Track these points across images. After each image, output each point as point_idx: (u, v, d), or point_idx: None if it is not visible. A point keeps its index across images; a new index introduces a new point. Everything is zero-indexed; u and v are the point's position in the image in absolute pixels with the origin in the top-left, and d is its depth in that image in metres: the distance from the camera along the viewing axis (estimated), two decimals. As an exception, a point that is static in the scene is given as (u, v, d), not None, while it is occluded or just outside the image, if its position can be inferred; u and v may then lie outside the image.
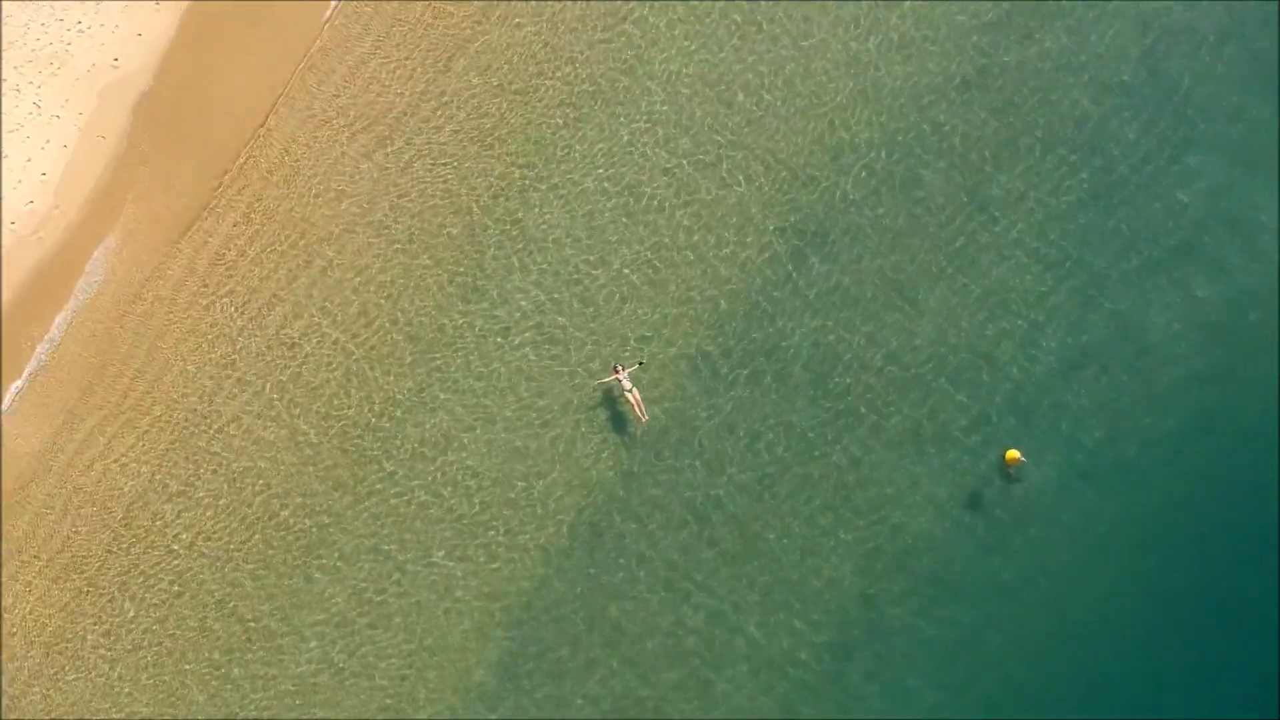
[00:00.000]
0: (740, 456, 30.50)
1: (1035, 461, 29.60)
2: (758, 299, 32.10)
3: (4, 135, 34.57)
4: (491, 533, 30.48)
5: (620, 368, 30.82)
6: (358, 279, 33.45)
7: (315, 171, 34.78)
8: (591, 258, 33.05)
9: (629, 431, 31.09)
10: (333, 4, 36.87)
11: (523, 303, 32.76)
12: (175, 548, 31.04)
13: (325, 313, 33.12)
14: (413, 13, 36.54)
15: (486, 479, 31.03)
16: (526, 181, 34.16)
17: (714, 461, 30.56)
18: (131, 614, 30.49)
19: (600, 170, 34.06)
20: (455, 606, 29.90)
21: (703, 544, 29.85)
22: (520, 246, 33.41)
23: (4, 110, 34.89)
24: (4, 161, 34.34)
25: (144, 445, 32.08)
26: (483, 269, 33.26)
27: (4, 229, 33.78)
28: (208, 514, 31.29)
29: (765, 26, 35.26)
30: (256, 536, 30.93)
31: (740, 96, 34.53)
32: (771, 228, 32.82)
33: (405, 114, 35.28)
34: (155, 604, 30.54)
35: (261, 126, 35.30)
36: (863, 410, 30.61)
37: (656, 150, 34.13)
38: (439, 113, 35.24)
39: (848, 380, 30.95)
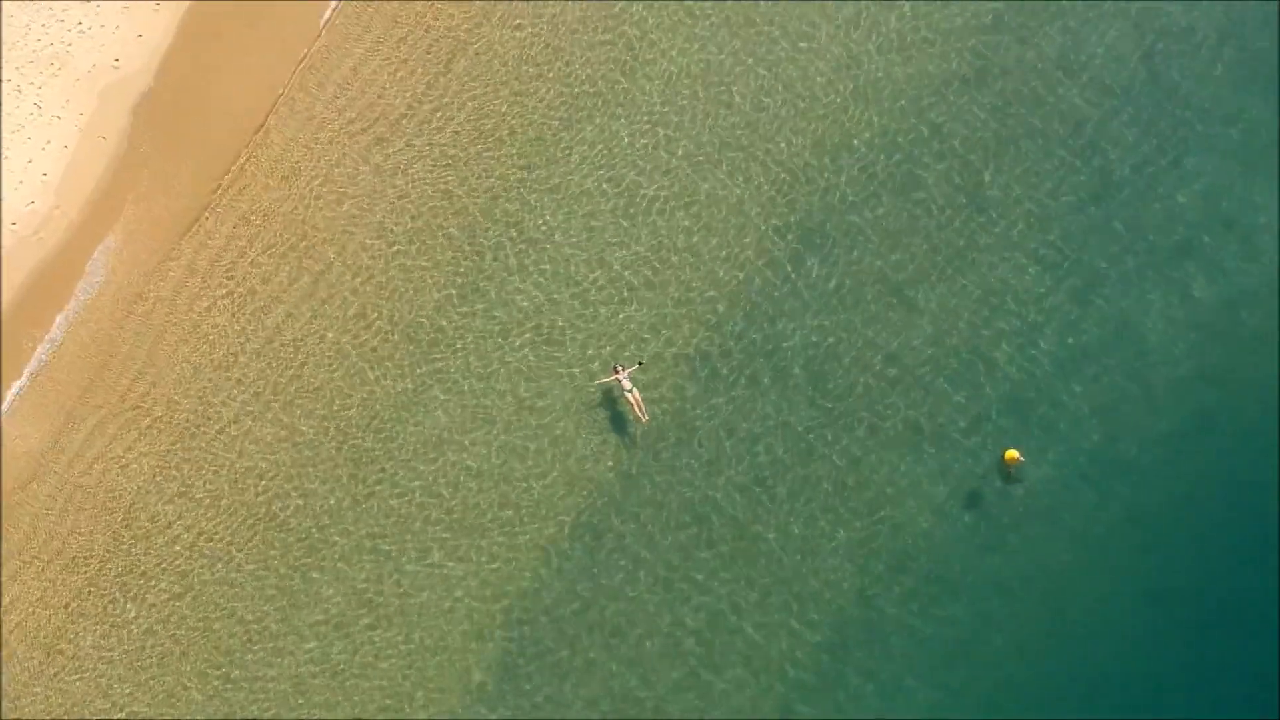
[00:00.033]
0: (739, 457, 30.53)
1: (1034, 461, 29.63)
2: (757, 300, 32.13)
3: (5, 136, 34.62)
4: (491, 533, 30.50)
5: (620, 368, 30.85)
6: (357, 280, 33.49)
7: (315, 173, 34.82)
8: (591, 258, 33.08)
9: (628, 432, 31.12)
10: (332, 4, 36.89)
11: (522, 303, 32.79)
12: (176, 548, 31.07)
13: (325, 313, 33.16)
14: (412, 14, 36.58)
15: (486, 480, 31.06)
16: (526, 183, 34.19)
17: (713, 462, 30.58)
18: (132, 614, 30.53)
19: (600, 171, 34.10)
20: (455, 607, 29.93)
21: (702, 545, 29.88)
22: (520, 247, 33.45)
23: (5, 111, 34.94)
24: (5, 162, 34.38)
25: (144, 445, 32.13)
26: (482, 270, 33.30)
27: (5, 229, 33.83)
28: (208, 514, 31.33)
29: (764, 28, 35.28)
30: (256, 537, 30.97)
31: (739, 98, 34.56)
32: (770, 229, 32.85)
33: (405, 115, 35.32)
34: (155, 604, 30.58)
35: (261, 127, 35.36)
36: (862, 411, 30.63)
37: (656, 151, 34.17)
38: (439, 114, 35.28)
39: (847, 381, 30.98)
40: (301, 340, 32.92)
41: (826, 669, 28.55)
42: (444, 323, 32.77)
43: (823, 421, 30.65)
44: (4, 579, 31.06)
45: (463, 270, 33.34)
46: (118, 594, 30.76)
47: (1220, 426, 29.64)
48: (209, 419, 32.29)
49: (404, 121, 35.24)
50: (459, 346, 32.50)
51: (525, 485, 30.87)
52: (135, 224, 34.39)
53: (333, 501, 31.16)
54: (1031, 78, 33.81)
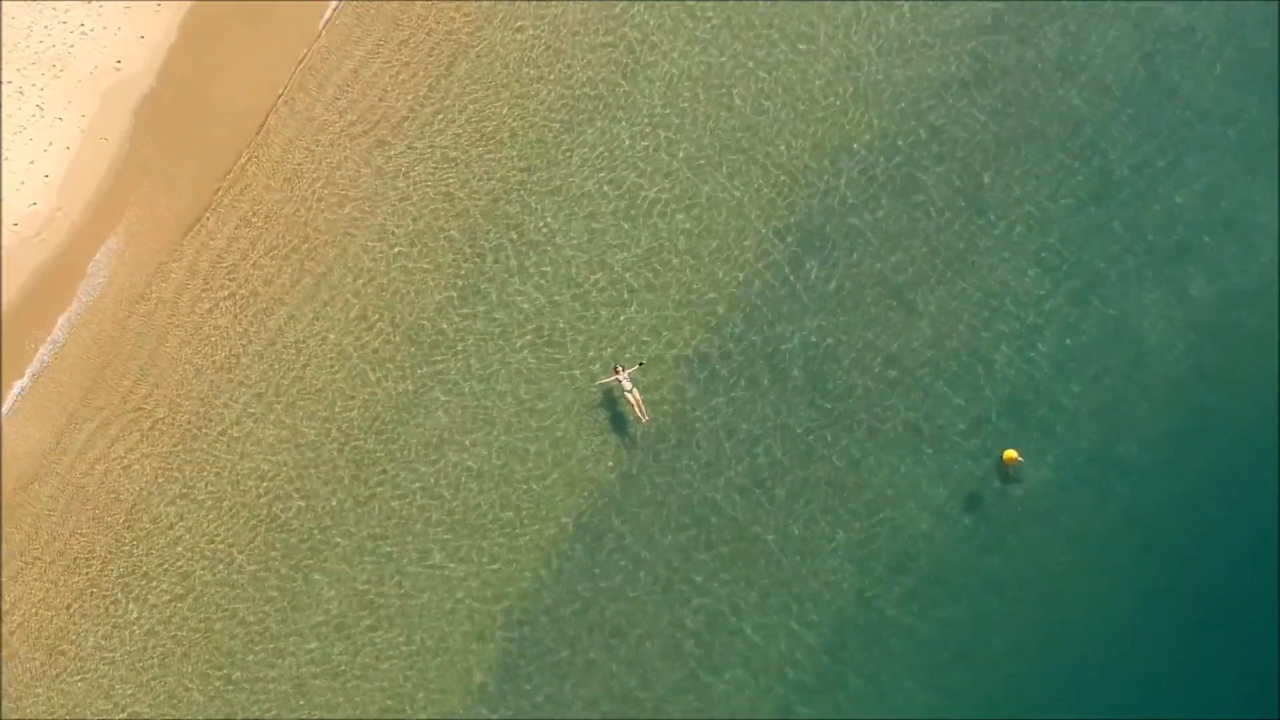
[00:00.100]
0: (739, 458, 30.57)
1: (1033, 462, 29.64)
2: (757, 302, 32.17)
3: (7, 138, 34.71)
4: (492, 534, 30.56)
5: (620, 368, 30.91)
6: (359, 282, 33.57)
7: (317, 175, 34.91)
8: (591, 260, 33.14)
9: (628, 433, 31.17)
10: (333, 5, 36.93)
11: (523, 305, 32.86)
12: (177, 549, 31.15)
13: (327, 315, 33.24)
14: (414, 16, 36.66)
15: (487, 481, 31.12)
16: (527, 185, 34.26)
17: (713, 463, 30.62)
18: (134, 615, 30.61)
19: (601, 174, 34.15)
20: (456, 608, 29.99)
21: (701, 546, 29.92)
22: (521, 249, 33.51)
23: (7, 113, 35.03)
24: (7, 164, 34.48)
25: (146, 447, 32.22)
26: (483, 272, 33.36)
27: (7, 230, 33.92)
28: (210, 516, 31.41)
29: (764, 30, 35.32)
30: (258, 538, 31.04)
31: (739, 100, 34.60)
32: (770, 231, 32.89)
33: (406, 117, 35.40)
34: (157, 605, 30.66)
35: (261, 128, 35.43)
36: (861, 413, 30.66)
37: (657, 154, 34.22)
38: (440, 116, 35.35)
39: (846, 382, 31.01)
40: (303, 342, 33.00)
41: (826, 670, 28.57)
42: (445, 325, 32.84)
43: (822, 423, 30.69)
44: (6, 580, 31.15)
45: (464, 272, 33.41)
46: (119, 595, 30.84)
47: (1219, 427, 29.62)
48: (211, 420, 32.38)
49: (405, 124, 35.31)
50: (460, 348, 32.57)
51: (526, 486, 30.94)
52: (137, 225, 34.48)
53: (334, 503, 31.23)
54: (1031, 79, 33.83)
